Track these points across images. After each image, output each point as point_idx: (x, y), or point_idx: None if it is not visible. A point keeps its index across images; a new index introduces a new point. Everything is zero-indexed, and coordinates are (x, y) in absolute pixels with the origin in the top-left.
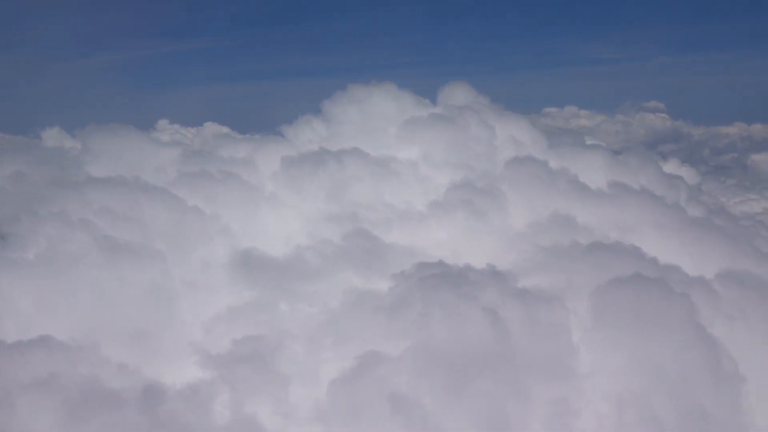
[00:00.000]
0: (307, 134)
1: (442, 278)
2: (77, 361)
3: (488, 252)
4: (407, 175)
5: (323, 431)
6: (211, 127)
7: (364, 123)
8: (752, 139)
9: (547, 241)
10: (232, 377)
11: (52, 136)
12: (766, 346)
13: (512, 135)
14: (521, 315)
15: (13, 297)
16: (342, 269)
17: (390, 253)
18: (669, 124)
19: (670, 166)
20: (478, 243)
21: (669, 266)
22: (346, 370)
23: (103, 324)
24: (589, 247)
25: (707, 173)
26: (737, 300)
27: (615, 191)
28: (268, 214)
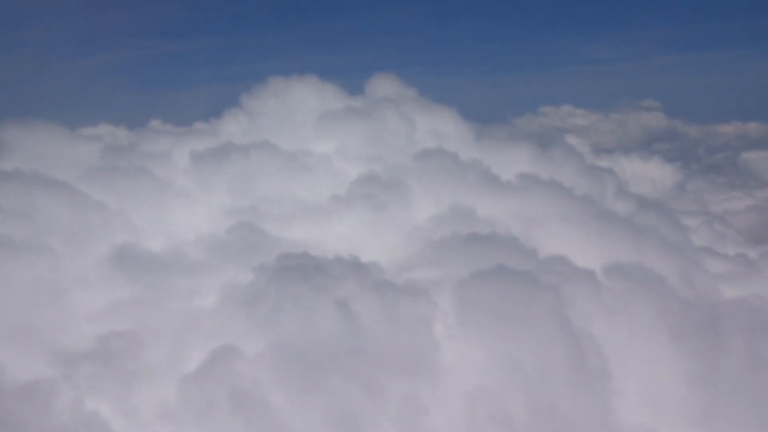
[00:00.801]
0: (232, 127)
1: (299, 271)
2: None
3: (383, 246)
4: (318, 168)
5: (168, 429)
6: (199, 126)
7: (282, 116)
8: (747, 137)
9: (441, 234)
10: (77, 375)
11: None
12: (645, 341)
13: (434, 128)
14: (380, 309)
15: None
16: (223, 264)
17: (275, 248)
18: (664, 123)
19: (653, 165)
20: (374, 237)
21: (555, 258)
22: (197, 367)
23: None
24: (466, 239)
25: (699, 171)
26: (621, 293)
27: (524, 183)
28: (174, 210)
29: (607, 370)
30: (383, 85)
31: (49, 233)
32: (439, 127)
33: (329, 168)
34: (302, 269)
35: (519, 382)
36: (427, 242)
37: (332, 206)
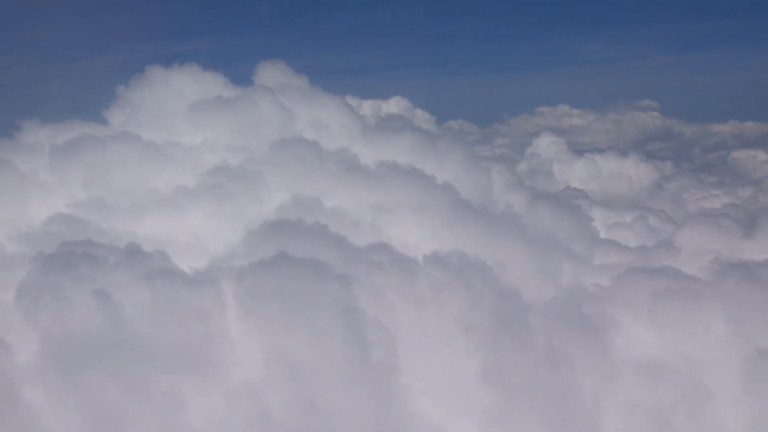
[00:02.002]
0: (118, 117)
1: (65, 259)
2: None
3: (221, 237)
4: (181, 160)
5: None
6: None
7: (156, 106)
8: (743, 137)
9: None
10: None
11: None
12: (444, 335)
13: (316, 117)
14: (151, 300)
15: None
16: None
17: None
18: (660, 123)
19: (630, 163)
20: (214, 228)
21: (377, 246)
22: None
23: None
24: (274, 224)
25: (689, 170)
26: (435, 284)
27: (382, 172)
28: (30, 202)
29: (395, 365)
30: (271, 74)
31: None
32: (322, 116)
33: (193, 159)
34: (69, 258)
35: (287, 378)
36: (248, 232)
37: (178, 198)
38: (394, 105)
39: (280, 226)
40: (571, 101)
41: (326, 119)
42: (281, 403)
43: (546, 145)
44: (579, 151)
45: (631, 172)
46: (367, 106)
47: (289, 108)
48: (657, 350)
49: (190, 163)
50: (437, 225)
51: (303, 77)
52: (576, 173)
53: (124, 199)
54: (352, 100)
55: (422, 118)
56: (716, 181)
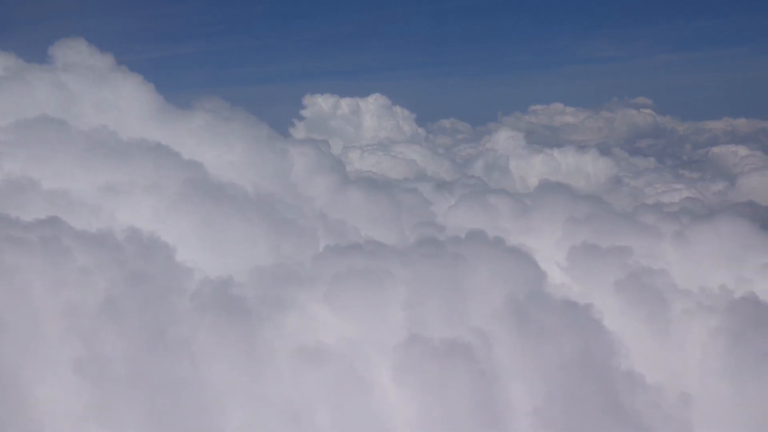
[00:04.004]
0: None
1: None
2: None
3: None
4: None
5: None
6: None
7: None
8: (735, 133)
9: None
10: None
11: None
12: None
13: (106, 97)
14: None
15: None
16: None
17: None
18: (652, 120)
19: (589, 158)
20: None
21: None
22: None
23: None
24: None
25: (672, 166)
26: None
27: (130, 151)
28: None
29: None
30: (70, 52)
31: None
32: (114, 98)
33: None
34: None
35: None
36: None
37: None
38: (373, 102)
39: None
40: (569, 100)
41: (118, 101)
42: None
43: (504, 140)
44: (538, 146)
45: (589, 168)
46: (345, 104)
47: (71, 87)
48: (325, 335)
49: None
50: (163, 206)
51: (107, 56)
52: (534, 169)
53: None
54: (331, 98)
55: (402, 115)
56: (698, 176)
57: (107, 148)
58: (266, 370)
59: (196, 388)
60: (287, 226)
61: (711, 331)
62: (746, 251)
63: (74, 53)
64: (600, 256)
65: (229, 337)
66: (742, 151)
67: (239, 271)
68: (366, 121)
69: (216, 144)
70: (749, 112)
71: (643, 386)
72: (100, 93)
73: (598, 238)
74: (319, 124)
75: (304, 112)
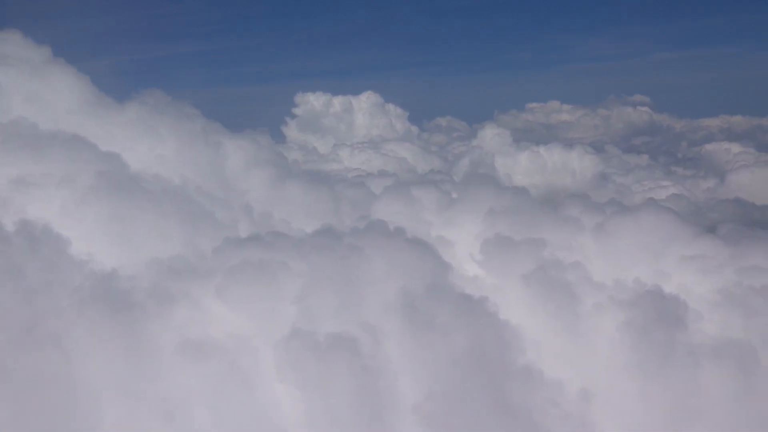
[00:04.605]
0: None
1: None
2: None
3: None
4: None
5: None
6: None
7: None
8: (731, 131)
9: None
10: None
11: None
12: None
13: (36, 90)
14: None
15: None
16: None
17: None
18: (648, 118)
19: (575, 155)
20: None
21: None
22: None
23: None
24: None
25: (665, 163)
26: None
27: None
28: None
29: None
30: (3, 45)
31: None
32: (44, 90)
33: None
34: None
35: None
36: None
37: None
38: (365, 100)
39: None
40: (567, 98)
41: (47, 92)
42: None
43: (490, 137)
44: (524, 143)
45: (575, 165)
46: (337, 102)
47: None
48: (213, 330)
49: None
50: (72, 198)
51: (44, 49)
52: (520, 166)
53: None
54: (323, 96)
55: (394, 113)
56: (691, 174)
57: (22, 141)
58: (146, 366)
59: (68, 385)
60: (204, 220)
61: (618, 326)
62: (667, 244)
63: (8, 46)
64: (513, 248)
65: (108, 331)
66: (735, 148)
67: (135, 264)
68: (358, 119)
69: (147, 137)
70: (746, 109)
71: (541, 382)
72: (30, 85)
73: (515, 230)
74: (311, 122)
75: (296, 111)
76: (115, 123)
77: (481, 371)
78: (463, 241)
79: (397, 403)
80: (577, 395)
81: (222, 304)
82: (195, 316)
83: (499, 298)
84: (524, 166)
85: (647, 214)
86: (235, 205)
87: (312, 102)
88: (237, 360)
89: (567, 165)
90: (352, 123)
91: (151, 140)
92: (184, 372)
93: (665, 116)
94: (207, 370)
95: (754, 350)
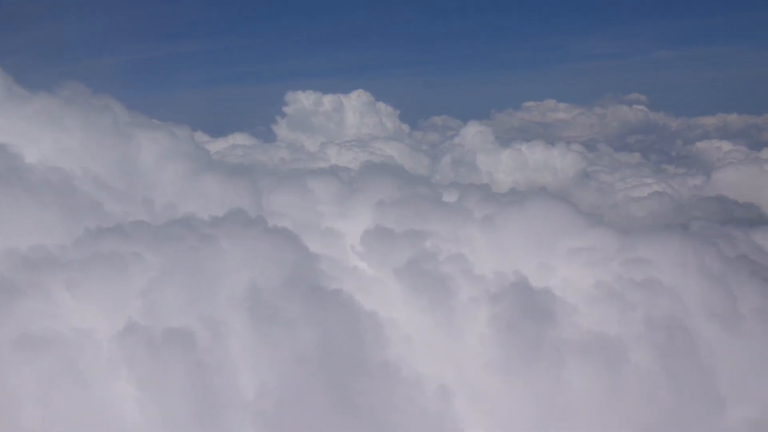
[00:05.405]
0: None
1: None
2: None
3: None
4: None
5: None
6: None
7: None
8: (726, 129)
9: None
10: None
11: None
12: None
13: None
14: None
15: None
16: None
17: None
18: (643, 116)
19: (556, 153)
20: None
21: None
22: None
23: None
24: None
25: (657, 161)
26: None
27: None
28: None
29: None
30: None
31: None
32: None
33: None
34: None
35: None
36: None
37: None
38: (355, 99)
39: None
40: (565, 97)
41: None
42: None
43: (472, 135)
44: (506, 141)
45: (557, 163)
46: (327, 101)
47: None
48: (56, 324)
49: None
50: None
51: None
52: (501, 164)
53: None
54: (313, 95)
55: (385, 111)
56: (682, 171)
57: None
58: None
59: None
60: (87, 212)
61: (488, 320)
62: (557, 236)
63: None
64: (392, 240)
65: None
66: (726, 146)
67: None
68: (348, 118)
69: (52, 129)
70: (744, 108)
71: (398, 379)
72: None
73: (401, 222)
74: (301, 120)
75: (286, 109)
76: (20, 115)
77: (329, 367)
78: (351, 233)
79: (233, 400)
80: (435, 392)
81: (70, 297)
82: (42, 309)
83: (376, 291)
84: (506, 164)
85: (539, 205)
86: (136, 198)
87: (302, 100)
88: (76, 355)
89: (548, 163)
90: (342, 121)
91: (57, 132)
92: (17, 368)
93: (661, 115)
94: (42, 365)
95: (624, 346)
